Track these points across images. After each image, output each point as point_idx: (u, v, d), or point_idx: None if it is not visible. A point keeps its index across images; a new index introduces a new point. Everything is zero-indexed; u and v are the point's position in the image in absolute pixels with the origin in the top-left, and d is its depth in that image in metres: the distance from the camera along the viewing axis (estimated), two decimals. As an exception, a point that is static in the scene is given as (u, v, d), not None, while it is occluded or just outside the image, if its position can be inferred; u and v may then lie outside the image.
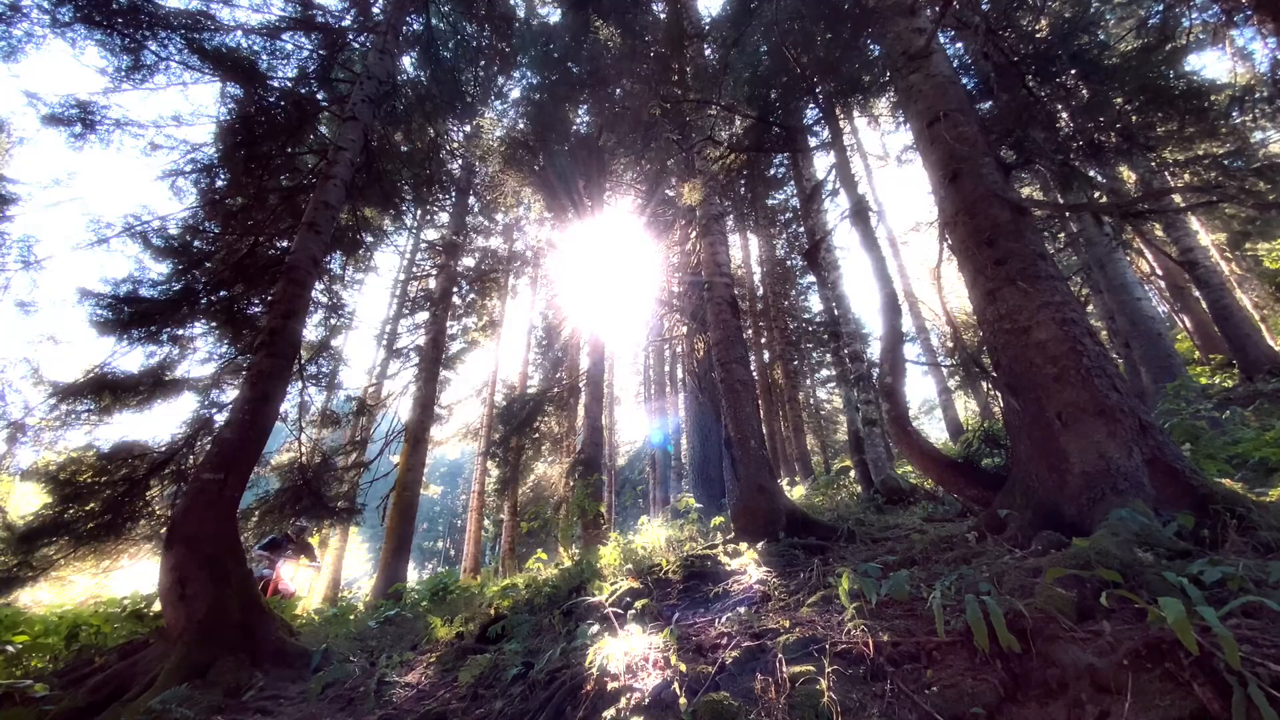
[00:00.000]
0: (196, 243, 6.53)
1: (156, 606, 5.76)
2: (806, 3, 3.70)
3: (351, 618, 6.59)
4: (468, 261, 19.22)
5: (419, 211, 17.12)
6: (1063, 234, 11.37)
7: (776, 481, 5.31)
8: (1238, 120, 14.55)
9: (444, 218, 18.26)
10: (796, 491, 11.22)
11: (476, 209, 19.37)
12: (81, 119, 5.66)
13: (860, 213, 4.19)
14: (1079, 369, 2.92)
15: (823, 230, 6.93)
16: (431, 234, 20.20)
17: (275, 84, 7.29)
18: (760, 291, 24.41)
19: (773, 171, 11.92)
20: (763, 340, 24.45)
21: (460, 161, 17.29)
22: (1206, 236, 15.20)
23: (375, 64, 7.09)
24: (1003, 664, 1.86)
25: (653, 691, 1.98)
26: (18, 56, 5.21)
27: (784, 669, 1.94)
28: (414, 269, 19.68)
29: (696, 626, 2.65)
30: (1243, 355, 10.81)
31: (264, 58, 7.50)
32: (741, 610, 2.56)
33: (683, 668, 2.01)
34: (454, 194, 17.40)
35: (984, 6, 4.43)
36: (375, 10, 8.82)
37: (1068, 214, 10.31)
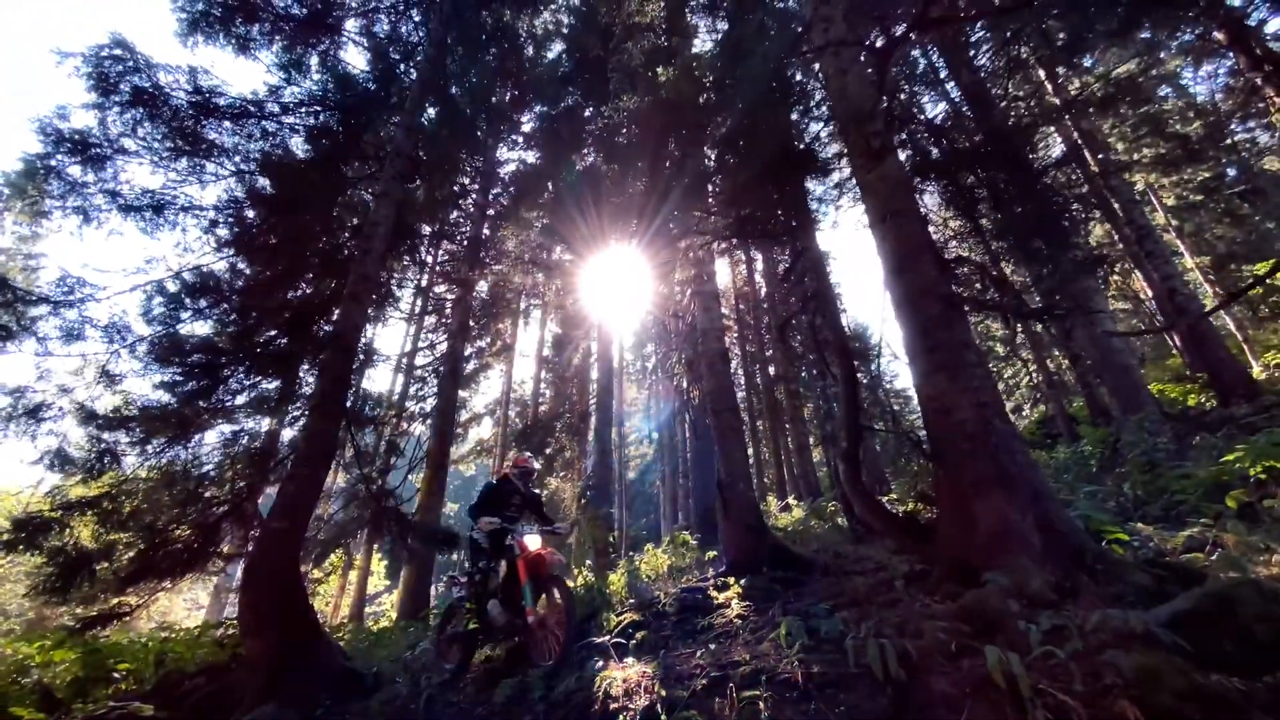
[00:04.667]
0: (251, 305, 7.38)
1: (213, 632, 6.56)
2: (761, 159, 4.44)
3: (393, 636, 7.35)
4: (481, 285, 20.05)
5: (437, 248, 17.98)
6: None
7: (763, 519, 6.02)
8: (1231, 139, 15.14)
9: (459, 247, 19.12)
10: (795, 513, 11.87)
11: (489, 237, 20.19)
12: (152, 206, 6.52)
13: (823, 298, 4.91)
14: (987, 446, 3.62)
15: (794, 308, 7.65)
16: (445, 255, 21.09)
17: (315, 159, 8.15)
18: (765, 305, 25.08)
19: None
20: (769, 354, 25.12)
21: (474, 195, 18.09)
22: (1191, 259, 15.76)
23: (403, 141, 7.92)
24: (893, 689, 2.57)
25: (642, 710, 2.71)
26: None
27: (736, 694, 2.67)
28: (429, 299, 20.54)
29: (680, 657, 3.38)
30: (1219, 379, 11.37)
31: (301, 130, 8.40)
32: (712, 646, 3.29)
33: (664, 693, 2.74)
34: (469, 227, 18.21)
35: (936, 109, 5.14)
36: (406, 82, 9.68)
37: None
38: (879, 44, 4.27)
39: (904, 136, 5.23)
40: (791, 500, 18.03)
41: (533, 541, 4.84)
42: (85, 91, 5.79)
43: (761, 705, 2.53)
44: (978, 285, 4.44)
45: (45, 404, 5.58)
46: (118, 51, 5.84)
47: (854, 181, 7.35)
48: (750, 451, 29.58)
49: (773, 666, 2.89)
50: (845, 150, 5.62)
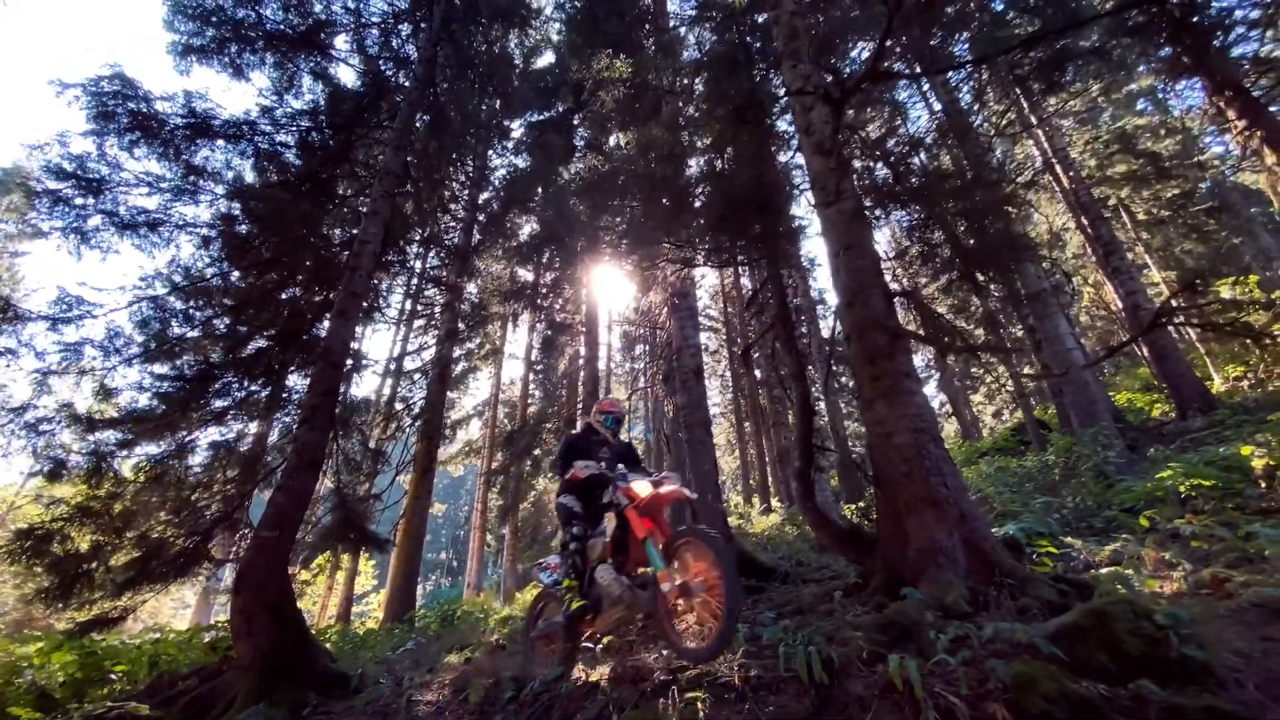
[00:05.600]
0: (242, 317, 7.63)
1: (204, 635, 6.82)
2: (736, 185, 4.77)
3: (378, 638, 7.64)
4: (470, 288, 20.25)
5: (426, 252, 18.17)
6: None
7: (729, 530, 6.37)
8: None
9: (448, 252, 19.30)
10: (773, 518, 12.24)
11: (479, 242, 20.37)
12: (148, 224, 6.77)
13: (785, 320, 5.27)
14: (921, 469, 3.98)
15: (759, 331, 8.00)
16: (434, 261, 21.28)
17: (305, 176, 8.40)
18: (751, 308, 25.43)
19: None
20: (755, 355, 25.48)
21: (464, 200, 18.27)
22: (1158, 274, 16.29)
23: (392, 160, 8.19)
24: (816, 691, 2.91)
25: (596, 710, 3.04)
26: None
27: (680, 695, 3.00)
28: (419, 301, 20.72)
29: (637, 660, 3.71)
30: (1177, 392, 11.86)
31: (292, 148, 8.65)
32: (664, 652, 3.63)
33: (615, 695, 3.07)
34: (459, 232, 18.36)
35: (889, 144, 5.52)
36: (396, 96, 9.94)
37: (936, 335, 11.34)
38: (836, 93, 4.60)
39: (868, 164, 5.58)
40: (775, 503, 18.43)
41: (642, 486, 3.66)
42: (85, 121, 6.08)
43: (700, 706, 2.87)
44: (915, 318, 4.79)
45: (46, 418, 5.84)
46: (116, 85, 6.10)
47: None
48: (736, 454, 30.04)
49: (717, 671, 3.22)
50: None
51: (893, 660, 2.64)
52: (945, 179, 5.34)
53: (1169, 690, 2.52)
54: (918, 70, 5.89)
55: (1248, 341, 12.92)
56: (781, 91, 7.61)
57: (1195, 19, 11.59)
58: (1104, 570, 4.51)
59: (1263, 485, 5.41)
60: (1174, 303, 3.27)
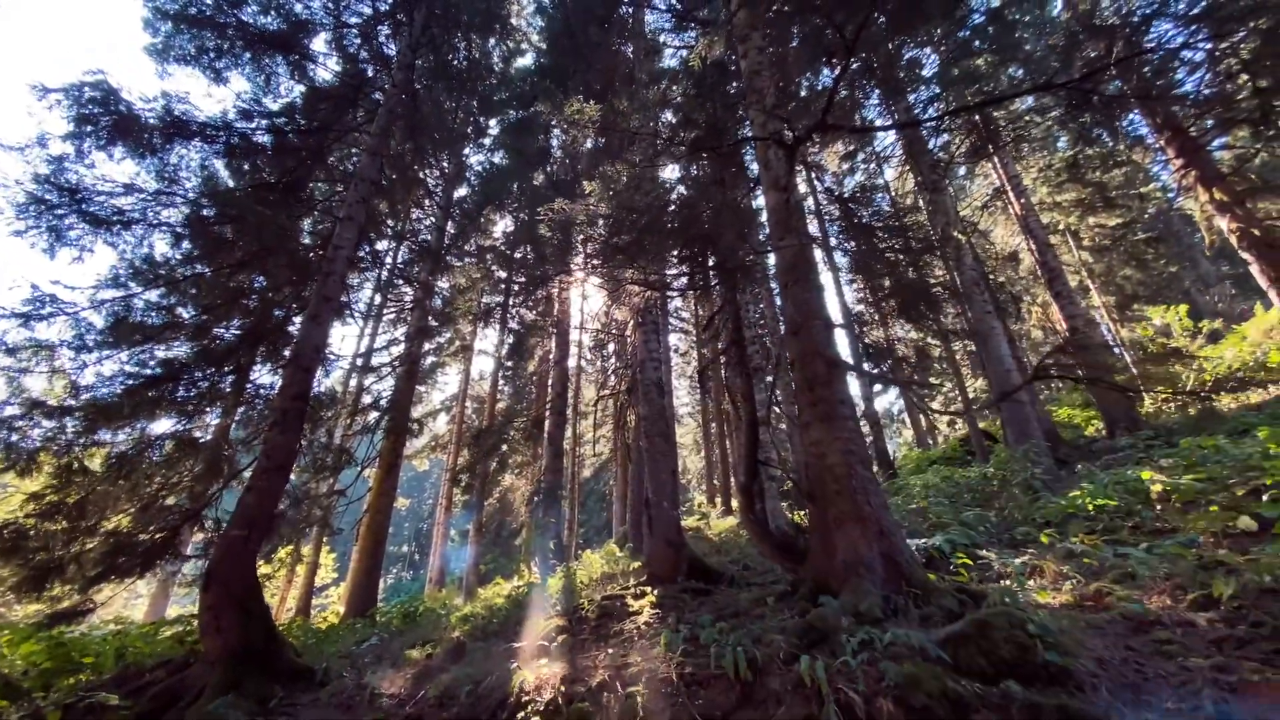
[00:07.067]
0: (214, 319, 7.74)
1: (166, 629, 6.97)
2: (696, 222, 5.15)
3: (340, 633, 7.85)
4: (442, 284, 20.27)
5: (398, 246, 18.15)
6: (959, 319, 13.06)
7: (683, 535, 6.78)
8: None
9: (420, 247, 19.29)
10: (730, 520, 12.74)
11: (452, 240, 20.38)
12: (121, 222, 6.83)
13: (738, 344, 5.69)
14: (849, 488, 4.43)
15: (712, 355, 8.43)
16: (406, 255, 21.23)
17: (281, 177, 8.51)
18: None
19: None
20: (722, 359, 26.01)
21: (438, 198, 18.27)
22: (1099, 298, 17.30)
23: (367, 166, 8.36)
24: (740, 686, 3.31)
25: (546, 703, 3.40)
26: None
27: (623, 689, 3.38)
28: (388, 294, 20.64)
29: (588, 658, 4.08)
30: (1107, 413, 12.71)
31: (270, 150, 8.75)
32: (610, 651, 4.01)
33: (563, 689, 3.44)
34: (432, 230, 18.37)
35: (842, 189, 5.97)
36: (374, 96, 10.07)
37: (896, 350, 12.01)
38: (790, 138, 5.02)
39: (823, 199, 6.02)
40: (735, 503, 18.99)
41: None
42: (66, 124, 6.14)
43: (639, 700, 3.24)
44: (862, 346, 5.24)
45: (18, 415, 5.90)
46: (97, 93, 6.17)
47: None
48: (703, 454, 30.63)
49: (657, 668, 3.61)
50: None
51: (804, 660, 3.06)
52: (893, 217, 5.81)
53: (1031, 690, 2.99)
54: (862, 125, 6.36)
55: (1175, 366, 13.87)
56: (746, 111, 8.04)
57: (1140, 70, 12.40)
58: (1007, 581, 5.03)
59: (1157, 508, 6.04)
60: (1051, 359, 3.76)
